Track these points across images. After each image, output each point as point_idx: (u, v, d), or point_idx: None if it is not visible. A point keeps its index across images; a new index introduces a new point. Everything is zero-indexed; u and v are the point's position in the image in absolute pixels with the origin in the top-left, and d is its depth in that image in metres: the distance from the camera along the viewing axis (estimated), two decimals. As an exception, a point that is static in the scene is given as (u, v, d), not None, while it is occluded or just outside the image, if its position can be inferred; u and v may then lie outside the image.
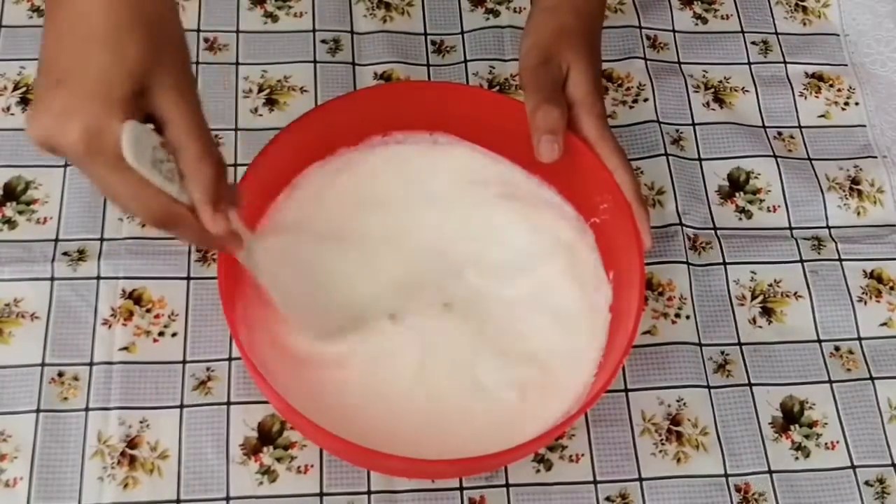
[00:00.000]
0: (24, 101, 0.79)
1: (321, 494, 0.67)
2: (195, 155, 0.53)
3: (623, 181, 0.67)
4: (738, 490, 0.70)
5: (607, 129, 0.68)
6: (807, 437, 0.72)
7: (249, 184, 0.65)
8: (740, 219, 0.81)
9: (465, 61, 0.85)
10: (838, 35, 0.92)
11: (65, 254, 0.73)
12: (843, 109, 0.87)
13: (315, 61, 0.84)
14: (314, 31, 0.85)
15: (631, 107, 0.85)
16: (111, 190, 0.53)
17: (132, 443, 0.67)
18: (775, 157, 0.83)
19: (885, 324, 0.77)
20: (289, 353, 0.67)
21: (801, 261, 0.79)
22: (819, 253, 0.80)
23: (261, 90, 0.82)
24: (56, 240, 0.73)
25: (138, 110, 0.52)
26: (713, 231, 0.80)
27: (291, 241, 0.69)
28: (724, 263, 0.78)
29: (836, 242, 0.80)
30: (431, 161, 0.75)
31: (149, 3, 0.52)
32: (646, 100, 0.85)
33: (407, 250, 0.72)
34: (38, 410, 0.67)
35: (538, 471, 0.69)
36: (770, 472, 0.71)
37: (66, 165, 0.76)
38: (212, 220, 0.54)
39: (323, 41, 0.85)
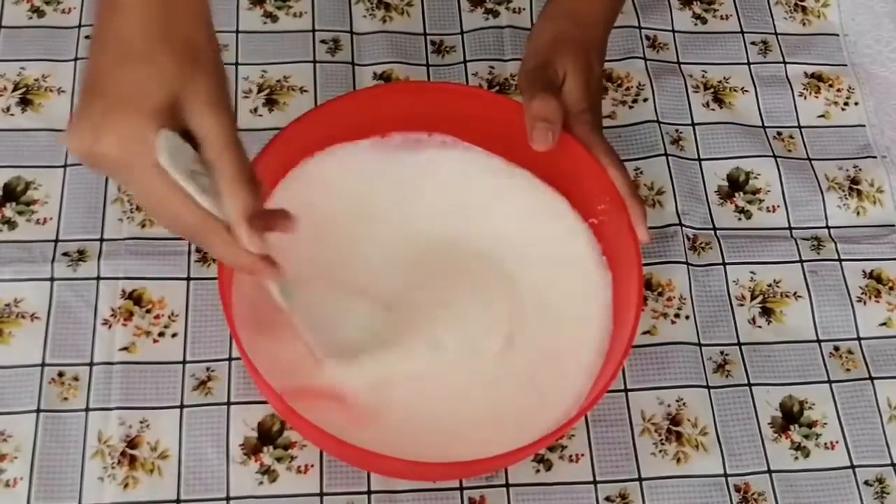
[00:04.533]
0: (23, 102, 0.79)
1: (321, 494, 0.67)
2: (231, 175, 0.53)
3: (616, 177, 0.68)
4: (737, 490, 0.70)
5: (598, 133, 0.69)
6: (806, 437, 0.72)
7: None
8: (740, 219, 0.81)
9: (465, 61, 0.85)
10: (838, 35, 0.92)
11: (65, 254, 0.73)
12: (843, 109, 0.87)
13: (315, 61, 0.84)
14: (314, 31, 0.85)
15: (630, 107, 0.85)
16: (148, 199, 0.55)
17: (132, 443, 0.67)
18: (775, 157, 0.83)
19: (884, 324, 0.77)
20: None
21: (801, 261, 0.79)
22: (818, 253, 0.80)
23: (260, 90, 0.82)
24: (56, 240, 0.73)
25: (174, 124, 0.52)
26: (713, 231, 0.80)
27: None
28: (724, 263, 0.78)
29: (835, 242, 0.80)
30: (431, 163, 0.75)
31: (181, 25, 0.54)
32: (645, 100, 0.85)
33: (409, 252, 0.72)
34: (38, 410, 0.68)
35: (538, 471, 0.69)
36: (769, 471, 0.71)
37: (65, 166, 0.76)
38: (248, 238, 0.54)
39: (322, 41, 0.85)
